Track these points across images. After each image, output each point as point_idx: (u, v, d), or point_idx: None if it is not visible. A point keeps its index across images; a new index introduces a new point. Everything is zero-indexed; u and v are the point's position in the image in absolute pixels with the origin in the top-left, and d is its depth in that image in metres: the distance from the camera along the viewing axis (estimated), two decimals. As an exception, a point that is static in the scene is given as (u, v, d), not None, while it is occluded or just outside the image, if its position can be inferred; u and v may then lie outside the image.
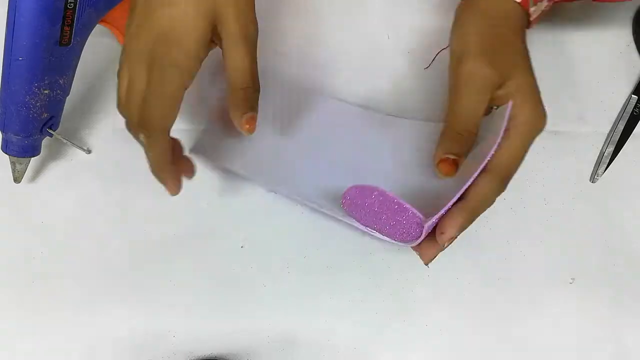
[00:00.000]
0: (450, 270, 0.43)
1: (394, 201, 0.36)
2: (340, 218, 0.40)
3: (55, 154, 0.47)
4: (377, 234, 0.38)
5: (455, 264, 0.44)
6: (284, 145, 0.45)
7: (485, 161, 0.35)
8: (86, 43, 0.44)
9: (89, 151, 0.47)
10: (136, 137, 0.37)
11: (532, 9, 0.38)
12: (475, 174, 0.35)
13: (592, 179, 0.46)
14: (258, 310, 0.42)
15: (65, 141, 0.45)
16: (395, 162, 0.43)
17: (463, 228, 0.34)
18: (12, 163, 0.44)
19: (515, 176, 0.46)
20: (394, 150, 0.44)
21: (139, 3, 0.36)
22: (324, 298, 0.43)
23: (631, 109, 0.48)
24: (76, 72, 0.44)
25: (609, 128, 0.48)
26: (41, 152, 0.46)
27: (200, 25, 0.34)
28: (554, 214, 0.45)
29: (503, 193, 0.45)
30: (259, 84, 0.37)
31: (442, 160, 0.36)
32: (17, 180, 0.45)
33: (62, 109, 0.44)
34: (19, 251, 0.44)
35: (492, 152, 0.35)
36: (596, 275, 0.43)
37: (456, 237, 0.35)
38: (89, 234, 0.45)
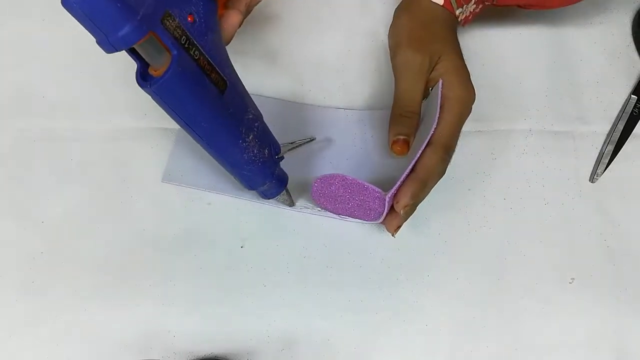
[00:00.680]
0: (450, 270, 0.43)
1: (354, 183, 0.39)
2: (317, 214, 0.44)
3: (56, 154, 0.47)
4: (350, 219, 0.44)
5: (455, 264, 0.44)
6: None
7: (429, 136, 0.39)
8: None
9: (312, 138, 0.46)
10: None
11: (457, 11, 0.44)
12: (421, 149, 0.39)
13: (592, 178, 0.46)
14: (258, 310, 0.42)
15: (297, 145, 0.44)
16: (359, 150, 0.47)
17: (415, 196, 0.38)
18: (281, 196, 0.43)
19: (516, 176, 0.46)
20: (356, 140, 0.47)
21: None
22: (324, 298, 0.43)
23: (631, 109, 0.48)
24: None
25: (609, 128, 0.48)
26: (41, 152, 0.46)
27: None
28: (554, 214, 0.45)
29: (503, 193, 0.46)
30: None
31: (394, 142, 0.42)
32: (291, 204, 0.44)
33: (269, 132, 0.40)
34: (19, 251, 0.44)
35: (433, 127, 0.39)
36: (596, 275, 0.43)
37: (411, 205, 0.38)
38: (88, 234, 0.45)
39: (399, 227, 0.40)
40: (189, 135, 0.36)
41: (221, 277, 0.43)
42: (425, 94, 0.42)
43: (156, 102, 0.33)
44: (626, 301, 0.43)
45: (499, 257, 0.44)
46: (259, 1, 0.39)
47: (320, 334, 0.42)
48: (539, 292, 0.43)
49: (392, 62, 0.43)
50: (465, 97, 0.41)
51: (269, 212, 0.45)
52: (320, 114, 0.48)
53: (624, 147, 0.47)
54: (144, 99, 0.49)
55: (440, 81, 0.41)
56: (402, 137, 0.41)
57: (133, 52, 0.32)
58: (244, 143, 0.37)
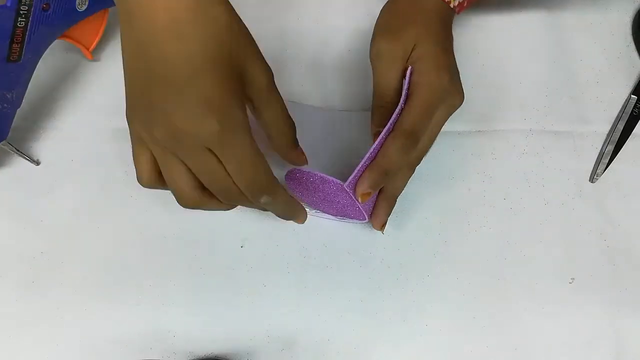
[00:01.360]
0: (450, 270, 0.43)
1: (316, 176, 0.39)
2: (314, 215, 0.45)
3: (56, 154, 0.47)
4: (344, 220, 0.45)
5: (455, 264, 0.44)
6: None
7: (389, 124, 0.38)
8: (47, 56, 0.44)
9: (37, 163, 0.47)
10: (257, 204, 0.35)
11: None
12: (380, 137, 0.38)
13: (592, 178, 0.46)
14: (258, 310, 0.42)
15: (13, 151, 0.46)
16: (337, 150, 0.47)
17: (374, 184, 0.38)
18: None
19: (515, 176, 0.46)
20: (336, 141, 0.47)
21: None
22: (324, 298, 0.43)
23: (631, 109, 0.48)
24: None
25: (609, 128, 0.48)
26: (39, 152, 0.46)
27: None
28: (554, 214, 0.45)
29: (503, 193, 0.46)
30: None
31: (375, 134, 0.41)
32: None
33: (10, 121, 0.45)
34: (18, 251, 0.44)
35: (394, 115, 0.38)
36: (596, 275, 0.43)
37: (371, 193, 0.38)
38: (88, 234, 0.45)
39: (383, 223, 0.41)
40: None
41: (221, 277, 0.43)
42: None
43: None
44: (626, 301, 0.42)
45: (499, 257, 0.44)
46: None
47: (320, 334, 0.42)
48: (539, 292, 0.43)
49: (370, 55, 0.42)
50: (435, 83, 0.38)
51: (269, 212, 0.45)
52: (321, 115, 0.48)
53: (624, 147, 0.47)
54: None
55: (410, 68, 0.39)
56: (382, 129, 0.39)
57: None
58: None
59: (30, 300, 0.43)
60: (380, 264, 0.44)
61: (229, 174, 0.33)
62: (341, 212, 0.43)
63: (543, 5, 0.52)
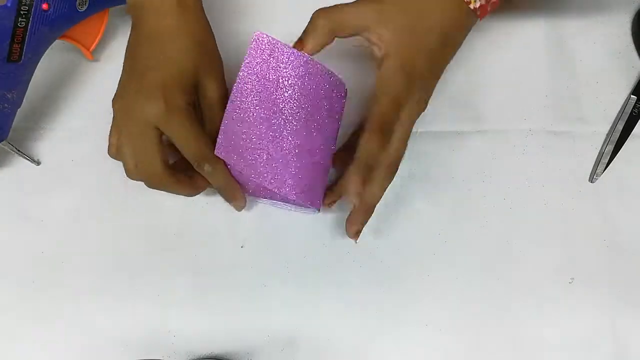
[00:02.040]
0: (450, 270, 0.43)
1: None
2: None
3: (56, 154, 0.47)
4: (281, 204, 0.45)
5: (455, 264, 0.44)
6: None
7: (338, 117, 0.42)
8: (47, 56, 0.44)
9: (38, 162, 0.47)
10: (200, 169, 0.40)
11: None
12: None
13: (592, 178, 0.46)
14: (258, 310, 0.42)
15: (13, 151, 0.46)
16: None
17: (356, 185, 0.39)
18: None
19: (515, 176, 0.46)
20: None
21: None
22: (324, 298, 0.43)
23: (630, 109, 0.48)
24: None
25: (608, 128, 0.48)
26: (40, 152, 0.46)
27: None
28: (553, 214, 0.45)
29: (503, 193, 0.46)
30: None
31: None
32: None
33: (10, 121, 0.45)
34: (18, 251, 0.44)
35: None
36: (595, 274, 0.43)
37: (362, 209, 0.40)
38: (88, 234, 0.45)
39: (358, 231, 0.41)
40: None
41: (221, 277, 0.43)
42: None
43: None
44: (626, 301, 0.43)
45: (499, 257, 0.44)
46: None
47: (320, 334, 0.42)
48: (538, 292, 0.43)
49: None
50: (391, 82, 0.39)
51: (269, 212, 0.45)
52: None
53: (623, 147, 0.47)
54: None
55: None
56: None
57: None
58: None
59: (30, 300, 0.43)
60: (380, 264, 0.44)
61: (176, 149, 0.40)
62: (287, 200, 0.44)
63: (543, 6, 0.52)
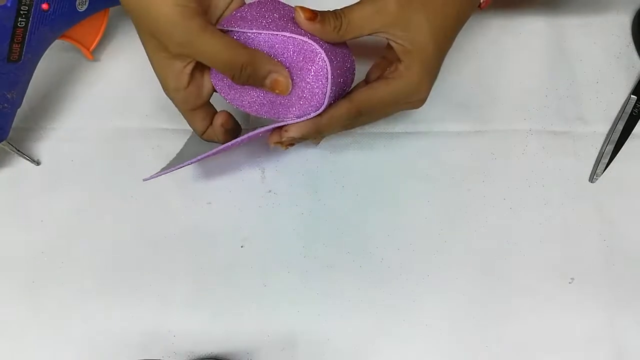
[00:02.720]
0: (450, 270, 0.43)
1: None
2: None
3: (56, 154, 0.47)
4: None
5: (455, 264, 0.44)
6: None
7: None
8: (47, 56, 0.44)
9: (38, 163, 0.47)
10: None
11: None
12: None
13: (592, 178, 0.46)
14: (258, 310, 0.42)
15: (13, 151, 0.46)
16: None
17: (302, 134, 0.39)
18: None
19: (515, 176, 0.46)
20: None
21: None
22: (324, 298, 0.43)
23: (630, 109, 0.48)
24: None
25: (609, 128, 0.48)
26: (40, 152, 0.46)
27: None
28: (553, 214, 0.45)
29: (503, 193, 0.46)
30: None
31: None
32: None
33: (10, 121, 0.45)
34: (18, 251, 0.44)
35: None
36: (595, 275, 0.43)
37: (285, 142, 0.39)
38: (88, 234, 0.45)
39: (274, 142, 0.40)
40: None
41: (221, 277, 0.43)
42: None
43: None
44: (626, 301, 0.43)
45: (499, 257, 0.44)
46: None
47: (320, 334, 0.42)
48: (538, 292, 0.43)
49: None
50: (408, 88, 0.39)
51: (269, 212, 0.45)
52: None
53: (623, 147, 0.47)
54: (145, 100, 0.50)
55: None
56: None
57: None
58: None
59: (30, 300, 0.43)
60: (380, 264, 0.44)
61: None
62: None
63: (543, 5, 0.52)
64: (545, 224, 0.45)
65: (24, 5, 0.39)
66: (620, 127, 0.47)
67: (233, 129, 0.42)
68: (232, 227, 0.45)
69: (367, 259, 0.44)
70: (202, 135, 0.42)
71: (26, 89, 0.44)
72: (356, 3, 0.38)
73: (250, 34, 0.38)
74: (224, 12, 0.40)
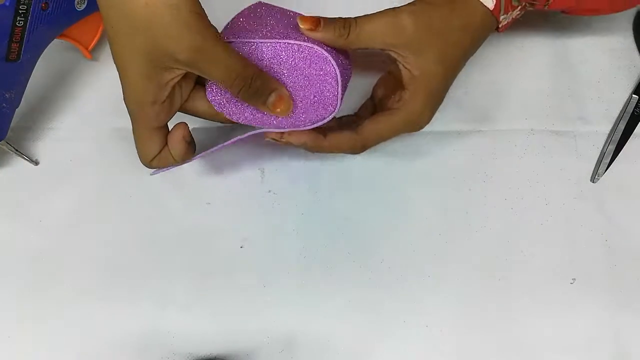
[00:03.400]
0: (450, 270, 0.43)
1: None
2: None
3: (56, 154, 0.47)
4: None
5: (455, 264, 0.43)
6: None
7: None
8: (46, 55, 0.44)
9: (36, 162, 0.47)
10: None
11: (502, 17, 0.40)
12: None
13: (593, 178, 0.46)
14: (258, 310, 0.42)
15: (11, 151, 0.46)
16: None
17: (304, 144, 0.40)
18: None
19: (516, 176, 0.46)
20: None
21: None
22: (324, 298, 0.43)
23: (632, 109, 0.48)
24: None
25: (610, 128, 0.48)
26: (38, 152, 0.46)
27: None
28: (554, 214, 0.45)
29: (504, 193, 0.46)
30: None
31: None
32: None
33: (9, 121, 0.44)
34: (18, 251, 0.44)
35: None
36: (596, 275, 0.43)
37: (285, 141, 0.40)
38: (88, 234, 0.45)
39: (270, 137, 0.40)
40: None
41: (221, 277, 0.43)
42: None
43: None
44: (627, 301, 0.42)
45: (500, 258, 0.44)
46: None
47: (320, 334, 0.42)
48: (539, 293, 0.43)
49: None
50: (412, 118, 0.41)
51: (269, 212, 0.45)
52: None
53: (625, 147, 0.47)
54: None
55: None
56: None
57: None
58: None
59: (30, 300, 0.43)
60: (380, 264, 0.44)
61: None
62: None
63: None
64: (547, 224, 0.44)
65: (23, 4, 0.39)
66: (621, 126, 0.47)
67: (193, 142, 0.40)
68: (232, 227, 0.45)
69: (367, 259, 0.44)
70: (152, 161, 0.39)
71: (25, 88, 0.44)
72: (373, 14, 0.38)
73: (253, 43, 0.37)
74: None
